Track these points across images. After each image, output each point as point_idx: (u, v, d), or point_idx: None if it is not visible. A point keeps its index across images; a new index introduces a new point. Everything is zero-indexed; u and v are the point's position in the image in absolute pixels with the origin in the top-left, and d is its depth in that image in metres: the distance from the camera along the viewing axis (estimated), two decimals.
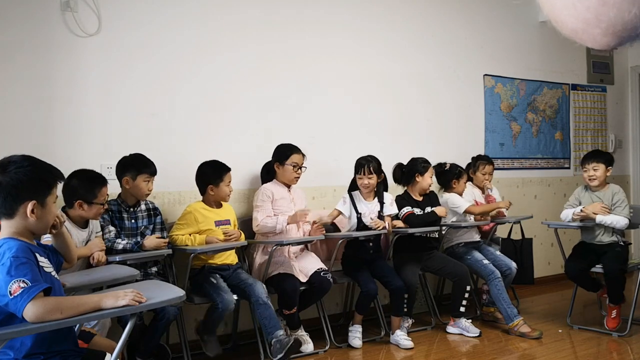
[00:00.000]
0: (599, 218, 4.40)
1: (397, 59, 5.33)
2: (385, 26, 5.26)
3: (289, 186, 4.27)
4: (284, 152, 4.25)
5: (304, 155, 4.30)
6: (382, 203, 4.40)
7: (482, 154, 5.48)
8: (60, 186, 2.35)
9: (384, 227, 4.26)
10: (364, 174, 4.31)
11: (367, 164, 4.31)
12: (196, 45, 4.29)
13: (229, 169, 3.96)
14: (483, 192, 5.10)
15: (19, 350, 2.09)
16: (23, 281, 1.96)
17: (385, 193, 4.46)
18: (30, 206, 2.12)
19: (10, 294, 1.95)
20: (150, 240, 3.57)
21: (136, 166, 3.65)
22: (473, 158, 5.25)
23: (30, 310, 1.94)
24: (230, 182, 3.97)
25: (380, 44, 5.22)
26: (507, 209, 5.05)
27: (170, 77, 4.18)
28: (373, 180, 4.32)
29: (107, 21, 3.93)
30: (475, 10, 5.89)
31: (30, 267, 2.02)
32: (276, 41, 4.64)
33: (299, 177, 4.26)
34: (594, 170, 4.53)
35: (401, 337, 4.26)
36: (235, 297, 3.78)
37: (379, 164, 4.38)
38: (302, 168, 4.28)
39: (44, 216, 2.17)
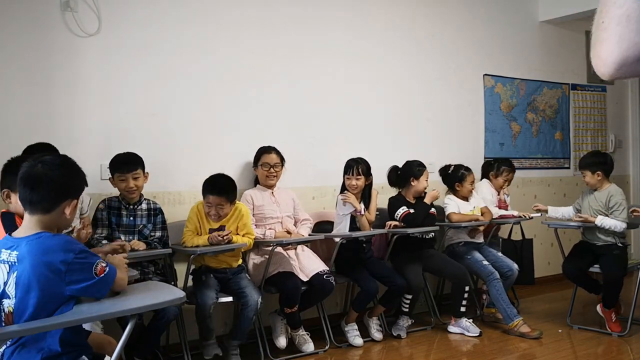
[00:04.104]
0: (599, 220, 4.41)
1: (397, 59, 5.33)
2: (385, 27, 5.26)
3: (272, 189, 4.25)
4: (257, 155, 4.26)
5: (278, 154, 4.24)
6: (368, 206, 4.40)
7: (486, 155, 5.48)
8: None
9: (389, 226, 4.39)
10: (352, 175, 4.32)
11: (355, 165, 4.33)
12: (196, 45, 4.29)
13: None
14: (499, 195, 5.12)
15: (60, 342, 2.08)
16: (102, 261, 2.12)
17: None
18: (71, 205, 2.17)
19: (97, 275, 2.07)
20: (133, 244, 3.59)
21: (111, 166, 3.71)
22: (497, 160, 5.24)
23: (120, 278, 2.18)
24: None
25: (380, 45, 5.22)
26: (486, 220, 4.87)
27: (170, 77, 4.18)
28: (361, 181, 4.32)
29: (107, 21, 3.93)
30: (475, 11, 5.88)
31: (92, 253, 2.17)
32: (276, 42, 4.64)
33: (275, 177, 4.21)
34: (584, 177, 4.65)
35: (375, 325, 4.38)
36: (231, 298, 3.80)
37: (368, 166, 4.38)
38: (276, 167, 4.19)
39: (72, 215, 2.22)
